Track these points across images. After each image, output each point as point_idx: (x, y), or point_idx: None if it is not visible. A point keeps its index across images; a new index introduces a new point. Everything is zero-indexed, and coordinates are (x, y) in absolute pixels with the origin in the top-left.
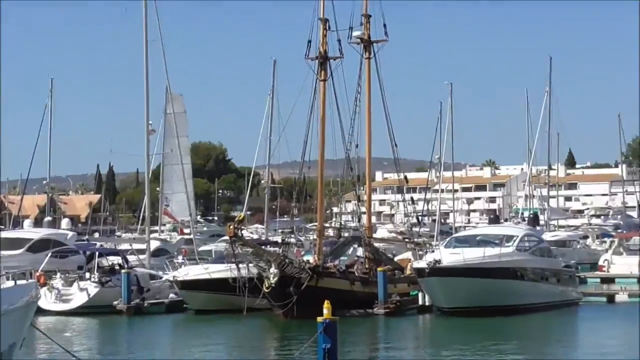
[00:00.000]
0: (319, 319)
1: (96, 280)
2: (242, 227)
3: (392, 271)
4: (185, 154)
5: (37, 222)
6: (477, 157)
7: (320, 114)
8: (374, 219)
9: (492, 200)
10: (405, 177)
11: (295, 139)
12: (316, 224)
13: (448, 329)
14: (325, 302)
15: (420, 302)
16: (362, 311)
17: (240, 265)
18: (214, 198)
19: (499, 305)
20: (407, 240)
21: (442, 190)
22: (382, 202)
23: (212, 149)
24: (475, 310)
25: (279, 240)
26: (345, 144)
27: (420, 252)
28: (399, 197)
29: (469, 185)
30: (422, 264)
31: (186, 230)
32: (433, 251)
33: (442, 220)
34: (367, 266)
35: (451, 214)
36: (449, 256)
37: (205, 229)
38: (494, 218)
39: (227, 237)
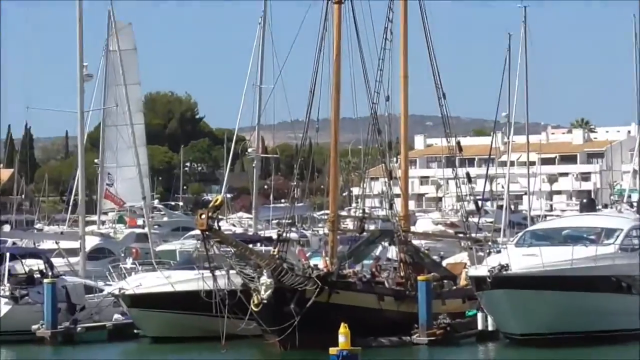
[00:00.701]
0: (333, 350)
1: (6, 294)
2: (220, 217)
3: (439, 281)
4: (136, 110)
5: None
6: (564, 115)
7: (333, 51)
8: (412, 205)
9: (584, 177)
10: (459, 144)
11: (298, 88)
12: (328, 212)
13: None
14: (342, 326)
15: (480, 327)
16: (395, 339)
17: (217, 273)
18: (178, 174)
19: (595, 331)
20: (461, 235)
21: (513, 163)
22: (424, 180)
23: (176, 103)
24: (560, 338)
25: (274, 236)
26: (371, 95)
27: (480, 254)
28: (448, 172)
29: (552, 156)
30: (482, 270)
31: (138, 222)
32: (499, 251)
33: (513, 207)
34: (402, 274)
35: (525, 198)
36: (521, 259)
37: (165, 219)
38: (588, 203)
39: (197, 232)
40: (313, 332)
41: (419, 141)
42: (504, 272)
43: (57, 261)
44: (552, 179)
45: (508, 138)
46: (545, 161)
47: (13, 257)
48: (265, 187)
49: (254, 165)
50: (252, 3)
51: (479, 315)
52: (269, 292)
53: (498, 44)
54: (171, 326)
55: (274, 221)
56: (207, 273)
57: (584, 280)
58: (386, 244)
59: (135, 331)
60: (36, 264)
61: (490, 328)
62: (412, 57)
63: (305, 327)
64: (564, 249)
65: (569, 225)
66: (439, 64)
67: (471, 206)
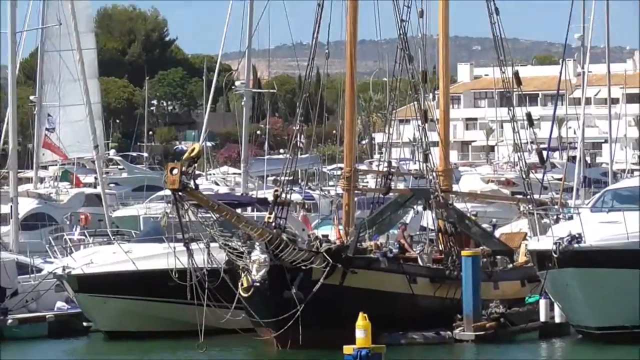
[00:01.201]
0: (348, 349)
1: None
2: (198, 172)
3: (490, 257)
4: (86, 30)
5: None
6: None
7: None
8: (454, 157)
9: None
10: (517, 75)
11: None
12: (342, 166)
13: None
14: (360, 317)
15: (543, 318)
16: (431, 334)
17: (194, 247)
18: (142, 116)
19: None
20: (519, 197)
21: (589, 101)
22: (470, 123)
23: (138, 20)
24: None
25: (270, 198)
26: (399, 10)
27: (545, 221)
28: (503, 113)
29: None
30: (546, 243)
31: (87, 179)
32: (571, 217)
33: (589, 159)
34: (441, 247)
35: (606, 147)
36: (599, 228)
37: (125, 175)
38: None
39: (167, 192)
40: (322, 325)
41: (463, 71)
42: (575, 246)
43: None
44: None
45: (582, 67)
46: (633, 98)
47: None
48: (258, 132)
49: (243, 103)
50: None
51: (542, 303)
52: (262, 272)
53: None
54: (132, 317)
55: (270, 178)
56: (180, 247)
57: None
58: (420, 208)
59: (84, 324)
60: None
61: (557, 319)
62: None
63: (311, 319)
64: None
65: None
66: None
67: (533, 158)
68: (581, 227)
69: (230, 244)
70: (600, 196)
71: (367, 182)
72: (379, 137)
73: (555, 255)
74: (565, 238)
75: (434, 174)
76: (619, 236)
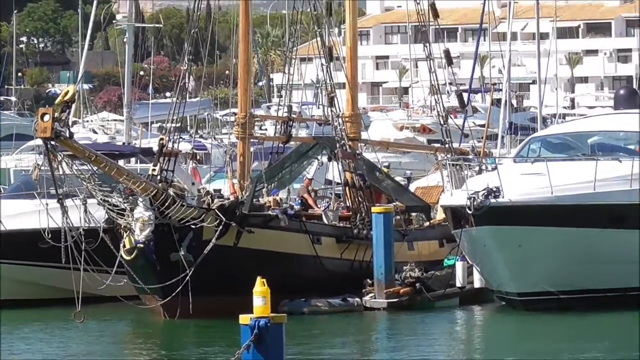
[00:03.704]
0: (244, 318)
1: None
2: (74, 119)
3: (404, 214)
4: None
5: None
6: None
7: None
8: (363, 100)
9: (622, 56)
10: (433, 7)
11: None
12: (236, 111)
13: (525, 345)
14: (258, 282)
15: (459, 282)
16: (338, 301)
17: (69, 204)
18: (10, 54)
19: (628, 288)
20: (437, 145)
21: (515, 36)
22: (381, 61)
23: None
24: (576, 298)
25: (155, 148)
26: None
27: (466, 173)
28: (417, 50)
29: (574, 24)
30: (460, 197)
31: None
32: (495, 169)
33: (516, 102)
34: (349, 203)
35: (534, 88)
36: (520, 180)
37: None
38: (628, 95)
39: (39, 141)
40: (214, 291)
41: (373, 2)
42: (492, 201)
43: None
44: (573, 59)
45: None
46: (564, 33)
47: None
48: (142, 73)
49: (124, 40)
50: None
51: (459, 266)
52: (147, 231)
53: None
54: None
55: (155, 125)
56: (53, 203)
57: (613, 211)
58: (324, 158)
59: None
60: None
61: (477, 284)
62: None
63: (203, 285)
64: (585, 166)
65: (597, 129)
66: None
67: (452, 101)
68: (499, 179)
69: (110, 200)
70: (525, 144)
71: (265, 129)
72: (277, 78)
73: (469, 212)
74: (481, 192)
75: (340, 119)
76: (541, 189)
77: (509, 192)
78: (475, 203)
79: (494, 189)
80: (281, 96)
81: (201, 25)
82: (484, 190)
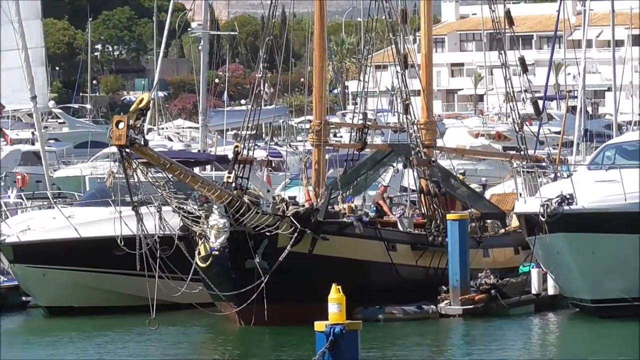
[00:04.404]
0: (319, 325)
1: None
2: (149, 126)
3: (480, 221)
4: None
5: None
6: None
7: None
8: (438, 107)
9: None
10: (508, 14)
11: None
12: (311, 118)
13: (599, 353)
14: (333, 289)
15: (535, 289)
16: (413, 308)
17: (144, 211)
18: (84, 62)
19: None
20: (512, 152)
21: (590, 43)
22: (455, 68)
23: None
24: None
25: (230, 155)
26: None
27: (542, 180)
28: (493, 57)
29: None
30: (533, 204)
31: (20, 134)
32: (570, 175)
33: (591, 110)
34: (424, 211)
35: (610, 95)
36: (593, 188)
37: (66, 129)
38: None
39: (113, 149)
40: (289, 298)
41: (448, 10)
42: (566, 208)
43: None
44: None
45: (583, 4)
46: (639, 40)
47: None
48: (217, 80)
49: (199, 47)
50: None
51: (534, 273)
52: (222, 238)
53: None
54: (75, 291)
55: (230, 132)
56: (128, 211)
57: None
58: (399, 165)
59: (22, 299)
60: None
61: (550, 291)
62: None
63: (278, 292)
64: None
65: None
66: None
67: (528, 108)
68: (572, 186)
69: (185, 207)
70: (600, 151)
71: (341, 136)
72: (352, 86)
73: (542, 219)
74: (554, 199)
75: (415, 127)
76: (615, 197)
77: (582, 200)
78: (548, 210)
79: (568, 196)
80: (356, 103)
81: (276, 33)
82: (557, 197)
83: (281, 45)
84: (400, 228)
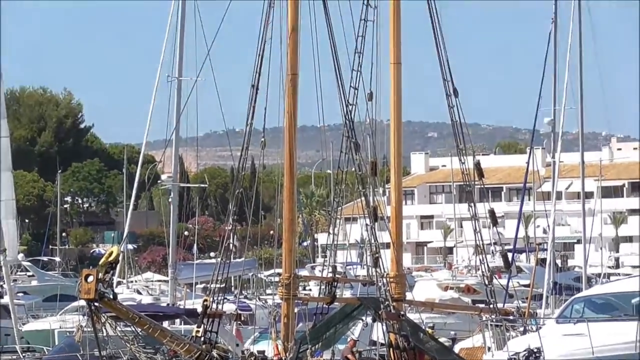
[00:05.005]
0: None
1: None
2: (118, 280)
3: None
4: None
5: None
6: (635, 122)
7: (287, 21)
8: (408, 260)
9: None
10: (478, 166)
11: (234, 81)
12: (281, 271)
13: None
14: None
15: None
16: None
17: None
18: (54, 214)
19: None
20: (481, 306)
21: (560, 195)
22: (425, 221)
23: (49, 103)
24: None
25: (199, 309)
26: (344, 93)
27: (511, 334)
28: (462, 209)
29: (618, 183)
30: (502, 358)
31: None
32: (539, 329)
33: (560, 262)
34: None
35: (579, 248)
36: (561, 341)
37: (35, 282)
38: None
39: (82, 302)
40: None
41: (418, 162)
42: None
43: None
44: (618, 218)
45: (552, 157)
46: (609, 192)
47: None
48: (186, 233)
49: (169, 200)
50: None
51: None
52: None
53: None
54: None
55: (200, 285)
56: None
57: None
58: (369, 319)
59: None
60: None
61: None
62: (409, 34)
63: None
64: (628, 326)
65: None
66: (445, 44)
67: (497, 261)
68: (540, 340)
69: None
70: (568, 305)
71: (310, 289)
72: (322, 238)
73: None
74: (522, 353)
75: (385, 280)
76: (582, 350)
77: (549, 353)
78: None
79: (535, 350)
80: (325, 256)
81: (246, 185)
82: (524, 351)
83: (251, 197)
84: None
